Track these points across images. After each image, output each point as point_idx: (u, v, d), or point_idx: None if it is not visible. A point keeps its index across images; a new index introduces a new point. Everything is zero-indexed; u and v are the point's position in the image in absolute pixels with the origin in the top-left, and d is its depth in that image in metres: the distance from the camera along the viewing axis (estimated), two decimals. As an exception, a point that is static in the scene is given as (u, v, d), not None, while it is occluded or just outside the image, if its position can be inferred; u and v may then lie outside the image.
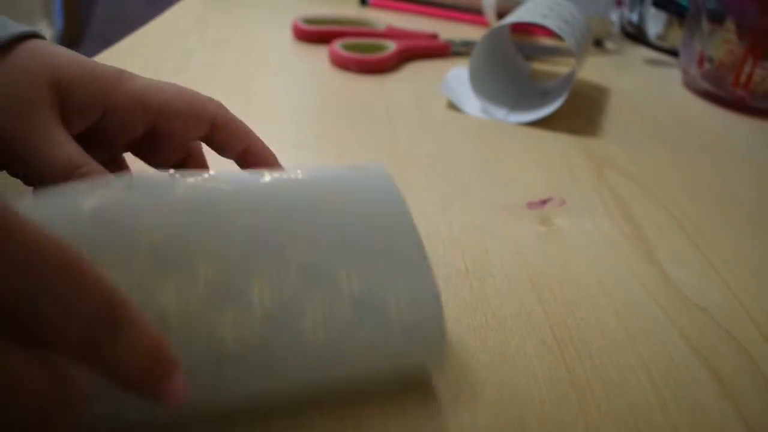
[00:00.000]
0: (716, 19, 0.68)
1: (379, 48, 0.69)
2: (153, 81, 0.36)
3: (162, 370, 0.21)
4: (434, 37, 0.77)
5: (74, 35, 2.61)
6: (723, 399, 0.31)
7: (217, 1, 0.82)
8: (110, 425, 0.23)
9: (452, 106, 0.60)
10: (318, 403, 0.28)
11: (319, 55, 0.69)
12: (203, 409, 0.25)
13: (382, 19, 0.80)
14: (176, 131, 0.35)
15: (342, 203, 0.29)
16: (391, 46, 0.69)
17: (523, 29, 0.83)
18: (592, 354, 0.33)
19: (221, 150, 0.37)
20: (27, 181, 0.35)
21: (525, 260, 0.40)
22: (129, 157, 0.38)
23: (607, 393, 0.31)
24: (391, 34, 0.75)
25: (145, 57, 0.63)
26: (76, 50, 0.36)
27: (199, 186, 0.28)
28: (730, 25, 0.67)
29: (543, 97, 0.64)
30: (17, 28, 0.34)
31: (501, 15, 0.81)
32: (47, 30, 2.40)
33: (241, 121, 0.37)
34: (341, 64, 0.66)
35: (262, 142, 0.37)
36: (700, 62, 0.71)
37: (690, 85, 0.73)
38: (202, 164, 0.39)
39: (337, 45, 0.67)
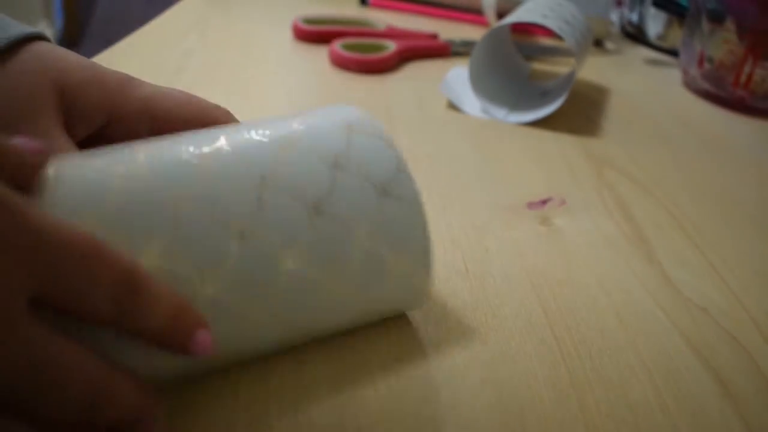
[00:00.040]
0: (716, 19, 0.68)
1: (379, 48, 0.69)
2: (160, 88, 0.35)
3: (186, 326, 0.24)
4: (434, 37, 0.77)
5: (74, 35, 2.61)
6: (723, 399, 0.31)
7: (217, 1, 0.82)
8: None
9: (452, 106, 0.60)
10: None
11: (319, 55, 0.69)
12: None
13: (382, 19, 0.80)
14: None
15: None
16: (391, 46, 0.69)
17: (523, 29, 0.83)
18: (592, 354, 0.33)
19: None
20: None
21: (525, 260, 0.40)
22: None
23: (607, 393, 0.31)
24: (391, 34, 0.75)
25: (145, 57, 0.63)
26: (76, 50, 0.35)
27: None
28: (730, 25, 0.67)
29: (543, 97, 0.64)
30: (22, 28, 0.34)
31: (501, 15, 0.81)
32: (47, 30, 2.40)
33: None
34: (341, 64, 0.66)
35: None
36: (700, 62, 0.71)
37: (690, 85, 0.73)
38: None
39: (337, 45, 0.67)
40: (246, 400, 0.28)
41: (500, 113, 0.60)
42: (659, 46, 0.85)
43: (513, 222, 0.44)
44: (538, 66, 0.74)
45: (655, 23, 0.85)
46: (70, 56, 0.34)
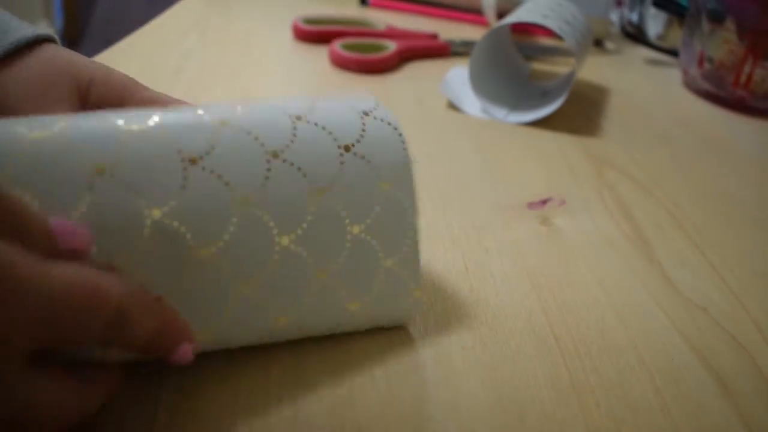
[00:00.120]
0: (716, 19, 0.68)
1: (379, 48, 0.69)
2: (163, 94, 0.36)
3: (169, 341, 0.26)
4: (434, 37, 0.77)
5: (74, 35, 2.61)
6: (723, 399, 0.31)
7: (217, 1, 0.82)
8: None
9: (452, 106, 0.60)
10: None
11: (319, 55, 0.69)
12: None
13: (382, 19, 0.80)
14: None
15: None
16: (391, 46, 0.69)
17: (523, 29, 0.83)
18: (592, 354, 0.33)
19: None
20: None
21: (525, 260, 0.40)
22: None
23: (607, 393, 0.31)
24: (391, 34, 0.75)
25: (145, 57, 0.63)
26: (76, 50, 0.36)
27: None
28: (730, 25, 0.67)
29: (543, 97, 0.64)
30: (33, 29, 0.35)
31: (501, 15, 0.81)
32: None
33: None
34: (341, 64, 0.66)
35: None
36: (700, 62, 0.71)
37: (690, 85, 0.73)
38: None
39: (337, 45, 0.67)
40: (246, 400, 0.28)
41: (500, 113, 0.60)
42: (659, 46, 0.85)
43: (513, 222, 0.44)
44: (538, 66, 0.74)
45: (655, 23, 0.85)
46: (79, 56, 0.36)
